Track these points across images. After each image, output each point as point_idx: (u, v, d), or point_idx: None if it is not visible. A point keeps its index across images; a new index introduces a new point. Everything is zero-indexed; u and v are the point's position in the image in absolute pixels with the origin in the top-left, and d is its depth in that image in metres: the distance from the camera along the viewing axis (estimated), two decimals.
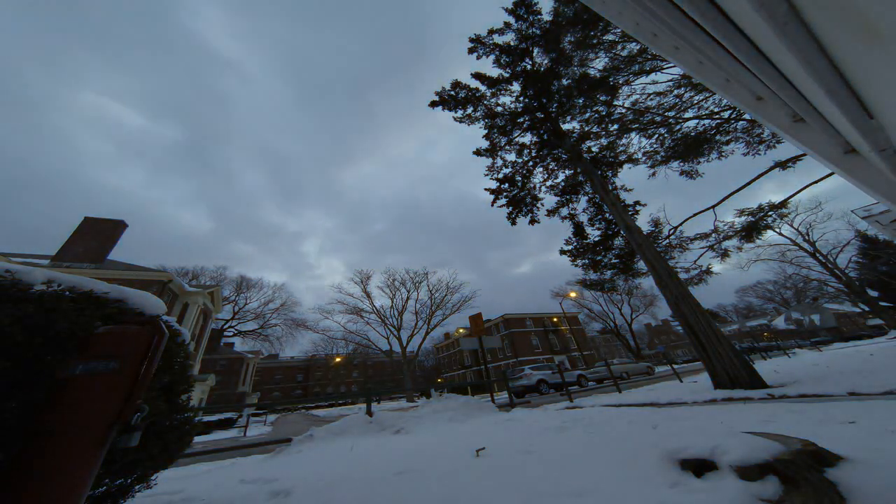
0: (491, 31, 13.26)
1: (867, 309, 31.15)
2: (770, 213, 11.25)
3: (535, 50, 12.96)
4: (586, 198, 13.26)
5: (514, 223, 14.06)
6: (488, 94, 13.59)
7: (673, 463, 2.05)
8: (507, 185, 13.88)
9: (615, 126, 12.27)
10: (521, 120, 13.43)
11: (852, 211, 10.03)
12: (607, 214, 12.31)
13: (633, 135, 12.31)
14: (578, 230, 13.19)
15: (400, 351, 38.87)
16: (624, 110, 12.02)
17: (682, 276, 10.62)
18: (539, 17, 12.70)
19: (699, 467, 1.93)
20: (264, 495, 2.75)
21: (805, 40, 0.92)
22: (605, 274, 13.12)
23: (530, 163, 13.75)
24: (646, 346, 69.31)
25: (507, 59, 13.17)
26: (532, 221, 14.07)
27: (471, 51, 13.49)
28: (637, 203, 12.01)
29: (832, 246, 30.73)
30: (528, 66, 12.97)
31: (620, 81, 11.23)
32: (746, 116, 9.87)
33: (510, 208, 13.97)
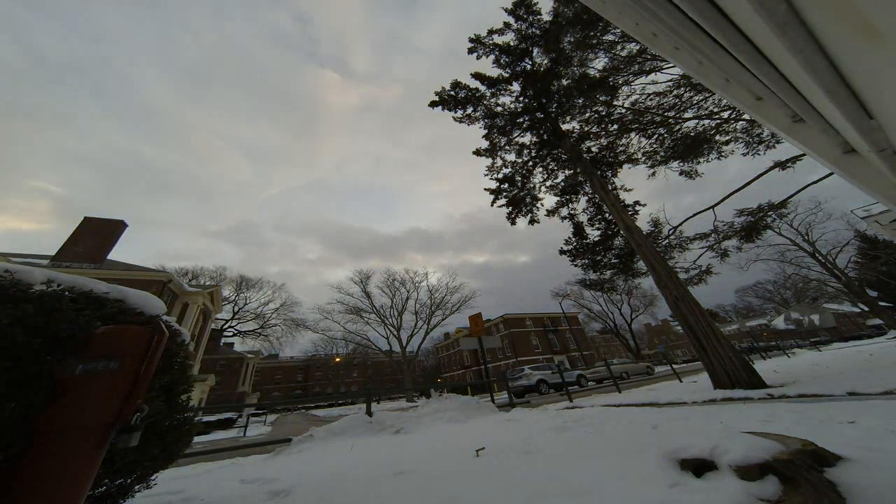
0: (490, 32, 13.26)
1: (866, 309, 31.16)
2: (770, 213, 11.26)
3: (535, 50, 12.97)
4: (586, 198, 13.26)
5: (513, 223, 14.07)
6: (488, 94, 13.59)
7: (673, 463, 2.05)
8: (506, 185, 13.88)
9: (615, 126, 12.27)
10: (521, 120, 13.43)
11: (852, 211, 10.04)
12: (607, 214, 12.31)
13: (632, 135, 12.31)
14: (578, 230, 13.19)
15: (400, 351, 38.88)
16: (624, 110, 12.02)
17: (682, 276, 10.62)
18: (539, 17, 12.70)
19: (699, 467, 1.93)
20: (264, 495, 2.75)
21: (804, 40, 0.92)
22: (605, 274, 13.12)
23: (530, 163, 13.75)
24: (646, 346, 69.33)
25: (507, 60, 13.17)
26: (532, 221, 14.07)
27: (470, 51, 13.49)
28: (637, 203, 12.02)
29: (832, 246, 30.71)
30: (528, 67, 12.97)
31: (620, 81, 11.23)
32: (746, 116, 9.87)
33: (510, 208, 13.98)
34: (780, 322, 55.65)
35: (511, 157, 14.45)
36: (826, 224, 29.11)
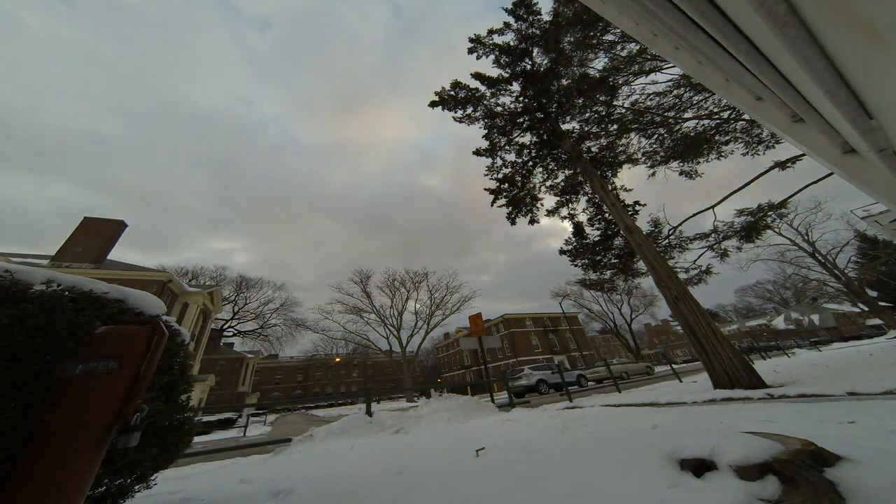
0: (490, 32, 13.26)
1: (866, 309, 31.17)
2: (769, 213, 11.26)
3: (535, 50, 12.97)
4: (586, 198, 13.27)
5: (513, 223, 14.06)
6: (488, 94, 13.59)
7: (672, 463, 2.05)
8: (506, 185, 13.87)
9: (615, 126, 12.28)
10: (521, 120, 13.43)
11: (852, 211, 10.06)
12: (607, 214, 12.31)
13: (632, 135, 12.31)
14: (578, 230, 13.19)
15: (400, 351, 38.90)
16: (624, 110, 12.03)
17: (682, 276, 10.62)
18: (539, 17, 12.70)
19: (698, 467, 1.93)
20: (264, 495, 2.74)
21: (804, 40, 0.92)
22: (605, 274, 13.13)
23: (530, 163, 13.75)
24: (646, 346, 69.31)
25: (507, 60, 13.17)
26: (532, 221, 14.07)
27: (470, 51, 13.49)
28: (637, 203, 12.01)
29: (831, 246, 30.71)
30: (528, 67, 12.97)
31: (620, 82, 11.23)
32: (746, 116, 9.87)
33: (510, 208, 13.97)
34: (780, 322, 55.64)
35: (511, 157, 14.44)
36: (826, 224, 29.19)
